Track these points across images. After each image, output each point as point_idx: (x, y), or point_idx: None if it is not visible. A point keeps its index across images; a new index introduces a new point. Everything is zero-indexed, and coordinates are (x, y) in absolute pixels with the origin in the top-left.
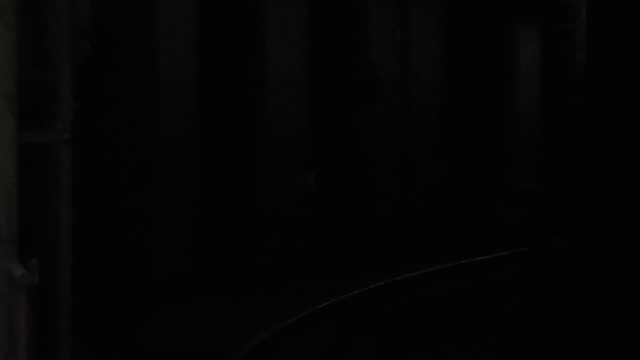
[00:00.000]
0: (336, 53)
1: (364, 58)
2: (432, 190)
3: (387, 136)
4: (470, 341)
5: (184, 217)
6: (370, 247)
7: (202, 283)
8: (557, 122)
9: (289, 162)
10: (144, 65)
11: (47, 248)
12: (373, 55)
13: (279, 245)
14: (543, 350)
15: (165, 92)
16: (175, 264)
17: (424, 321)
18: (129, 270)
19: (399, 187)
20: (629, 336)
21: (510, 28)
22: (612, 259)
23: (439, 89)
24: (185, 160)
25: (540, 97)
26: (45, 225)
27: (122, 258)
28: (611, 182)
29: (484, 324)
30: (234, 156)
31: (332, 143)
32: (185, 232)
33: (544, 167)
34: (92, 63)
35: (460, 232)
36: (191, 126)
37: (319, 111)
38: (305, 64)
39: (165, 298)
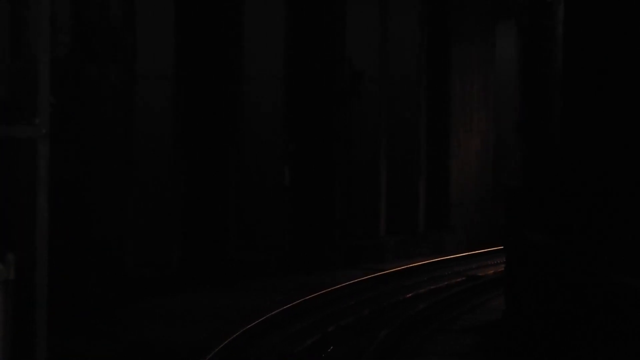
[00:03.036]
0: (315, 49)
1: (344, 54)
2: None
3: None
4: (453, 338)
5: (165, 211)
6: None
7: (187, 277)
8: (536, 120)
9: (269, 157)
10: (123, 58)
11: (23, 242)
12: (353, 51)
13: (263, 240)
14: (526, 347)
15: (143, 86)
16: (157, 258)
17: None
18: (109, 264)
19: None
20: (612, 332)
21: (490, 24)
22: (592, 254)
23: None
24: (165, 153)
25: (520, 95)
26: (21, 219)
27: (102, 252)
28: (589, 179)
29: (467, 320)
30: (214, 147)
31: (310, 139)
32: (167, 226)
33: (523, 164)
34: (71, 56)
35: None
36: (170, 119)
37: (298, 107)
38: (284, 59)
39: (148, 292)
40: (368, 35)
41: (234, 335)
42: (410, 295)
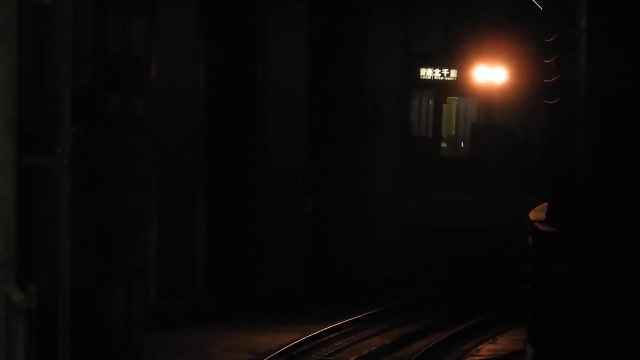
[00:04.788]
0: (337, 82)
1: (365, 86)
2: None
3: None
4: None
5: (190, 241)
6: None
7: (210, 308)
8: (562, 147)
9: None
10: (146, 89)
11: (46, 273)
12: (373, 82)
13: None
14: None
15: (167, 117)
16: (181, 288)
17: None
18: (133, 294)
19: None
20: None
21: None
22: (626, 292)
23: None
24: (191, 181)
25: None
26: (44, 250)
27: (126, 282)
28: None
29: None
30: (238, 177)
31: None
32: (191, 257)
33: (550, 195)
34: (92, 87)
35: None
36: (196, 151)
37: (321, 138)
38: (307, 91)
39: (170, 322)
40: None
41: None
42: None
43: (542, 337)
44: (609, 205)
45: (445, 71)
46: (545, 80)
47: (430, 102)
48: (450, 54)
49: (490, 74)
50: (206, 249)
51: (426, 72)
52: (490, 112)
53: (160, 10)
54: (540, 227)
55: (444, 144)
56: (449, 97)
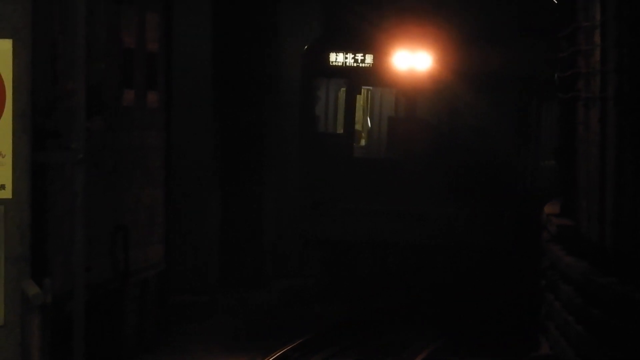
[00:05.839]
0: None
1: None
2: None
3: None
4: None
5: (204, 237)
6: None
7: (223, 303)
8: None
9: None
10: (160, 84)
11: (61, 268)
12: None
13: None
14: None
15: (179, 112)
16: (196, 283)
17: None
18: (150, 289)
19: None
20: None
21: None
22: None
23: None
24: (204, 173)
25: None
26: (58, 244)
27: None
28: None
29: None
30: (248, 173)
31: None
32: (205, 251)
33: (562, 190)
34: (107, 83)
35: None
36: (206, 144)
37: None
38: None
39: (186, 316)
40: None
41: None
42: None
43: (557, 332)
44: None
45: (359, 56)
46: (559, 75)
47: (342, 93)
48: (367, 35)
49: (413, 60)
50: None
51: (337, 57)
52: (412, 104)
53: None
54: (556, 220)
55: (359, 142)
56: (363, 87)
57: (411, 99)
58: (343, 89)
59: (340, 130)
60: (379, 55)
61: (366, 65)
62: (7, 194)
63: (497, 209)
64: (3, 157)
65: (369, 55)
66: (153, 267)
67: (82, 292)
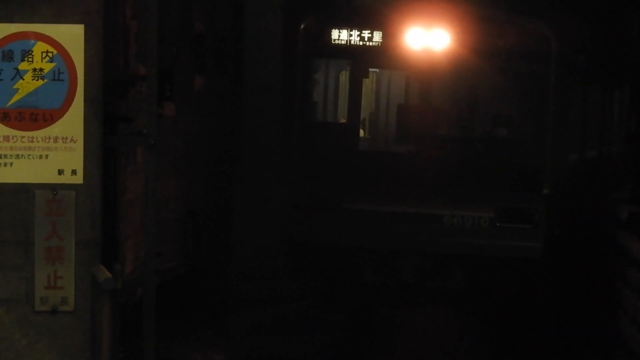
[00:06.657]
0: None
1: None
2: None
3: None
4: None
5: (271, 222)
6: None
7: (293, 288)
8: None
9: None
10: (231, 69)
11: (130, 254)
12: None
13: None
14: None
15: (250, 99)
16: (262, 269)
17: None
18: (218, 274)
19: None
20: None
21: None
22: None
23: None
24: (272, 164)
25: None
26: (129, 229)
27: (212, 262)
28: None
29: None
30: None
31: None
32: (272, 235)
33: (635, 177)
34: (177, 68)
35: None
36: (275, 133)
37: None
38: None
39: (254, 303)
40: None
41: None
42: None
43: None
44: None
45: (366, 33)
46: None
47: (345, 76)
48: (374, 10)
49: (428, 38)
50: None
51: (340, 35)
52: (426, 89)
53: None
54: (626, 207)
55: (365, 133)
56: (370, 69)
57: (426, 83)
58: (346, 72)
59: (342, 120)
60: (389, 32)
61: (374, 44)
62: (78, 179)
63: (526, 208)
64: (75, 143)
65: (378, 32)
66: (221, 252)
67: (153, 277)
